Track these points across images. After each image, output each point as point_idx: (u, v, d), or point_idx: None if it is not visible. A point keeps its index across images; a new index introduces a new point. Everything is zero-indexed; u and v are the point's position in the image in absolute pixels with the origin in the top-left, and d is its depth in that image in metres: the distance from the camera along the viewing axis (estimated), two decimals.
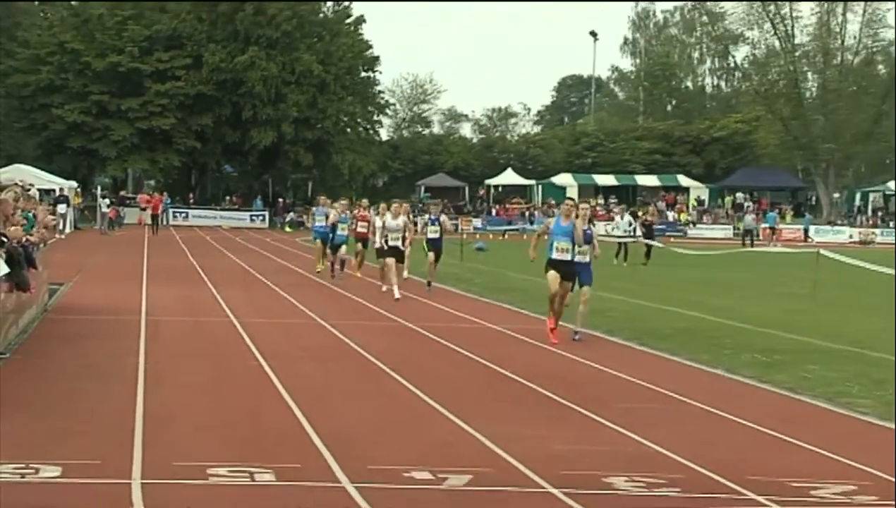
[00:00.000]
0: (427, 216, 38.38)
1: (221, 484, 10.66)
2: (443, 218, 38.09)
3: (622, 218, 56.92)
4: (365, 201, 42.23)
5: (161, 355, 18.95)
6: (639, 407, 15.37)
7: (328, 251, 38.00)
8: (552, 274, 21.38)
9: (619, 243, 51.11)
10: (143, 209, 77.17)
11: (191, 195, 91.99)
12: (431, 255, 33.76)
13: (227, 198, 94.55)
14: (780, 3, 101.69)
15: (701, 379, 18.21)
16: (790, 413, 15.38)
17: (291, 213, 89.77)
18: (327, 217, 38.15)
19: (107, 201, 75.03)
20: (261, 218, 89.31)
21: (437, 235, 34.48)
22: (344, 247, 37.48)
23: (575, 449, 12.60)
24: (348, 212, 39.66)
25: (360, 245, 37.83)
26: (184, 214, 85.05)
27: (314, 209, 44.30)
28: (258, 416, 14.16)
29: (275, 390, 15.98)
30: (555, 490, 10.79)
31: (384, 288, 31.53)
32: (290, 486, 10.71)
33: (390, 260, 30.44)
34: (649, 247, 51.95)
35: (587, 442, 13.07)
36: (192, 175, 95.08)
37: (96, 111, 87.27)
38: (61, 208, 63.03)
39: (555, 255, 21.31)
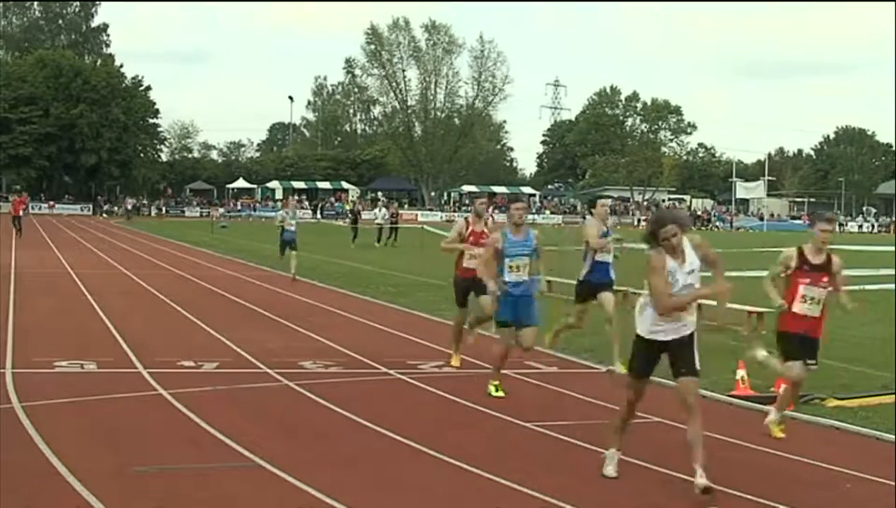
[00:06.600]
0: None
1: (62, 372, 10.35)
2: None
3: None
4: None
5: (25, 292, 18.02)
6: (318, 319, 15.35)
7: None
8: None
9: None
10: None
11: (43, 195, 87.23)
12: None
13: (67, 196, 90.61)
14: (398, 78, 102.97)
15: (356, 301, 18.30)
16: (408, 321, 15.65)
17: (106, 206, 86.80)
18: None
19: None
20: (87, 209, 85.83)
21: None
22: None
23: (281, 346, 12.52)
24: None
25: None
26: (40, 207, 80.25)
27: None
28: (85, 329, 13.65)
29: (96, 313, 15.38)
30: (270, 370, 10.71)
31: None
32: (106, 372, 10.40)
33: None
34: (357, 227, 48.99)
35: (287, 342, 12.98)
36: (44, 182, 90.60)
37: None
38: None
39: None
